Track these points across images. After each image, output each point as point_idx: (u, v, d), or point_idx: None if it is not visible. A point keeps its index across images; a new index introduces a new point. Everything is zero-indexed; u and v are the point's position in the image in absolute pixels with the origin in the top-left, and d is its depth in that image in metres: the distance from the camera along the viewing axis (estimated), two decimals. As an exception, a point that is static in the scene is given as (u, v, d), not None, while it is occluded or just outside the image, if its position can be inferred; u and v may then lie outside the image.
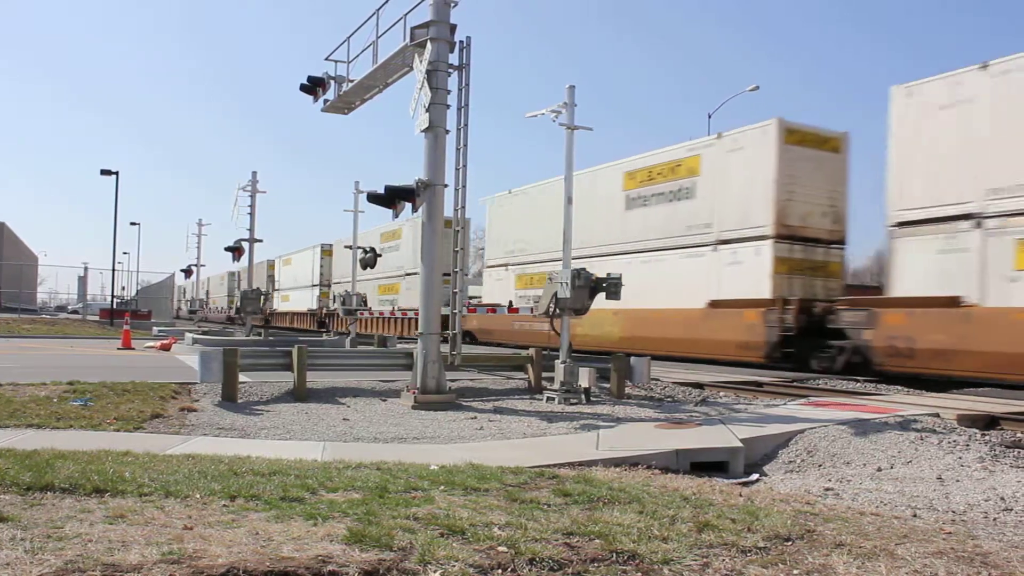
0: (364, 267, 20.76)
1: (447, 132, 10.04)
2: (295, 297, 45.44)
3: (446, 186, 10.03)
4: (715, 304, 17.53)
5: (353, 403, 9.69)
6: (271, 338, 24.39)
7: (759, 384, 13.06)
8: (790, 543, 3.80)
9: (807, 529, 4.06)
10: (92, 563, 3.06)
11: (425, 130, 9.90)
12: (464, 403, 9.91)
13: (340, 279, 37.43)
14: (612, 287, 10.54)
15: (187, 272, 35.69)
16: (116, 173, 36.36)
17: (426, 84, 9.72)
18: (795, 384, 13.25)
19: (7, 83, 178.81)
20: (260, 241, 22.85)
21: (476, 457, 5.82)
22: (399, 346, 17.80)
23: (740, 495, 5.00)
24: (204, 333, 25.74)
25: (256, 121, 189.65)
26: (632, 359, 11.69)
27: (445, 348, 10.36)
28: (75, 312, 57.85)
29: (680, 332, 18.16)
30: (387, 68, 11.83)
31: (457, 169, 10.22)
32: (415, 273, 31.53)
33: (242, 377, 10.06)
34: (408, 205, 9.95)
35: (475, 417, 8.74)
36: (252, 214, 22.60)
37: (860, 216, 50.15)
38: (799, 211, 16.78)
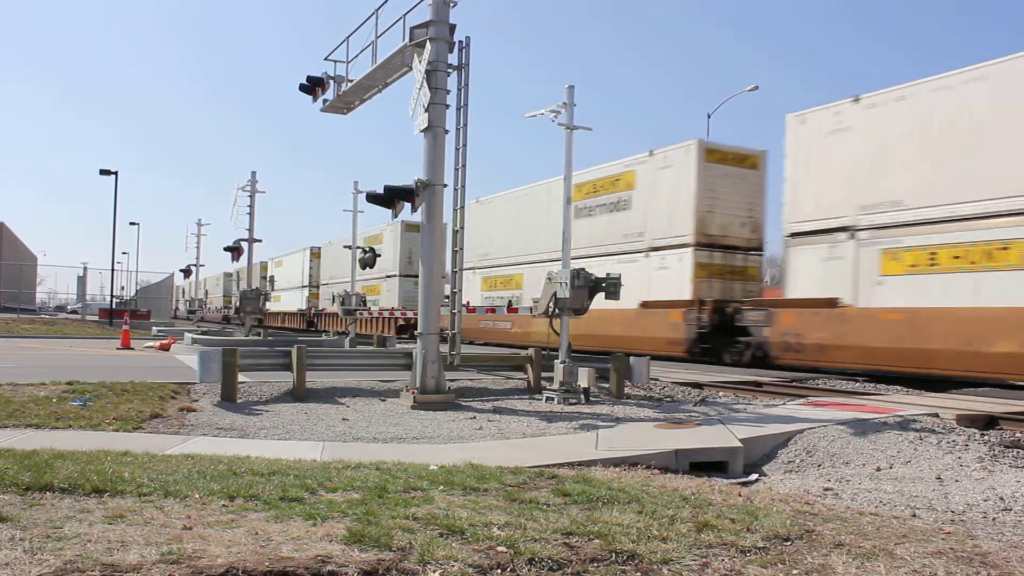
0: (364, 267, 20.79)
1: (446, 132, 10.04)
2: (286, 298, 46.11)
3: (445, 186, 10.04)
4: (646, 305, 19.29)
5: (352, 403, 9.70)
6: (270, 338, 24.39)
7: (758, 384, 13.12)
8: (789, 543, 3.80)
9: (806, 529, 4.06)
10: (91, 563, 3.06)
11: (424, 130, 9.90)
12: (463, 403, 9.91)
13: (328, 280, 38.55)
14: (612, 287, 10.55)
15: (186, 272, 35.75)
16: (115, 173, 36.35)
17: (425, 84, 9.72)
18: (794, 384, 13.34)
19: (7, 84, 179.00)
20: (259, 241, 22.89)
21: (475, 457, 5.82)
22: (398, 346, 17.82)
23: (739, 495, 5.00)
24: (203, 333, 25.73)
25: (255, 121, 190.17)
26: (632, 359, 11.70)
27: (444, 348, 10.37)
28: (74, 312, 57.87)
29: (620, 330, 19.68)
30: (386, 68, 11.84)
31: (456, 169, 10.22)
32: (395, 276, 32.05)
33: (241, 377, 10.07)
34: (408, 205, 9.96)
35: (474, 417, 8.74)
36: (251, 214, 22.62)
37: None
38: (719, 221, 18.60)
